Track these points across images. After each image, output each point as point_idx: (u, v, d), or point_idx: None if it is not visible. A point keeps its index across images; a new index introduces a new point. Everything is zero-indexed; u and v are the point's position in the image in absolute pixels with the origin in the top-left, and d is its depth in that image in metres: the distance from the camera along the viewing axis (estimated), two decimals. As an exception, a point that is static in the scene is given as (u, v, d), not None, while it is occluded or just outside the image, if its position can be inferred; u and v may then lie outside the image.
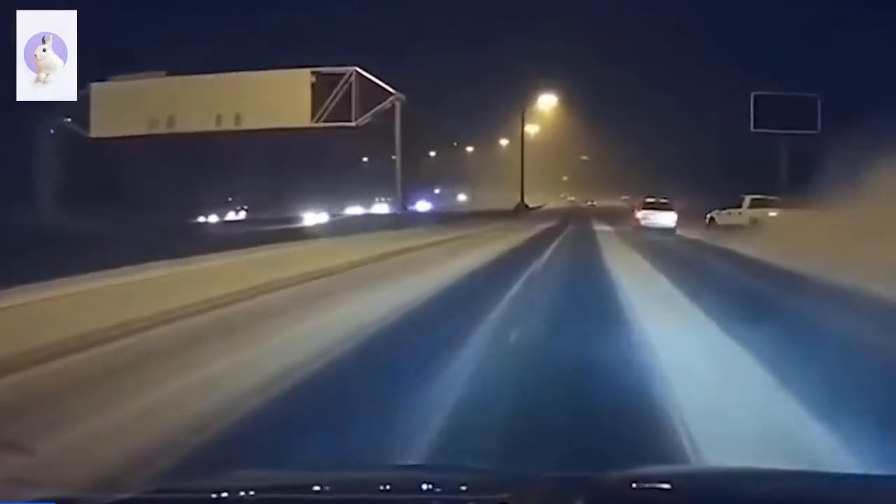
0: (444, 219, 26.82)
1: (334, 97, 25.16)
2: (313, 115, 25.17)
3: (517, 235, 17.48)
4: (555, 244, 15.10)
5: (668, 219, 18.73)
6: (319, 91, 25.07)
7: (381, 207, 40.74)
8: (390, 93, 25.48)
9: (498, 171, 42.49)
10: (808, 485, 1.34)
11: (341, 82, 25.18)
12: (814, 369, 3.75)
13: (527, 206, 41.19)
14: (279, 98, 23.89)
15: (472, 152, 47.82)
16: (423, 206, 39.70)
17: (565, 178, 54.80)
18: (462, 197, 47.46)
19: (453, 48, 39.33)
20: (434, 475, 1.65)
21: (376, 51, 31.64)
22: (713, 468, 2.12)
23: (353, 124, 25.36)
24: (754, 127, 30.37)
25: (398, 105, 25.56)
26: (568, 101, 46.53)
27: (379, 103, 25.75)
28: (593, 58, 43.31)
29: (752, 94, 30.52)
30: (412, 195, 39.33)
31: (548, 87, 45.80)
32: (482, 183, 45.26)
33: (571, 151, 49.43)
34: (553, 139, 46.39)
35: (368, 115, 25.42)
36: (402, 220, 22.24)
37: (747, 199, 17.74)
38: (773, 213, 15.90)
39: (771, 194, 17.48)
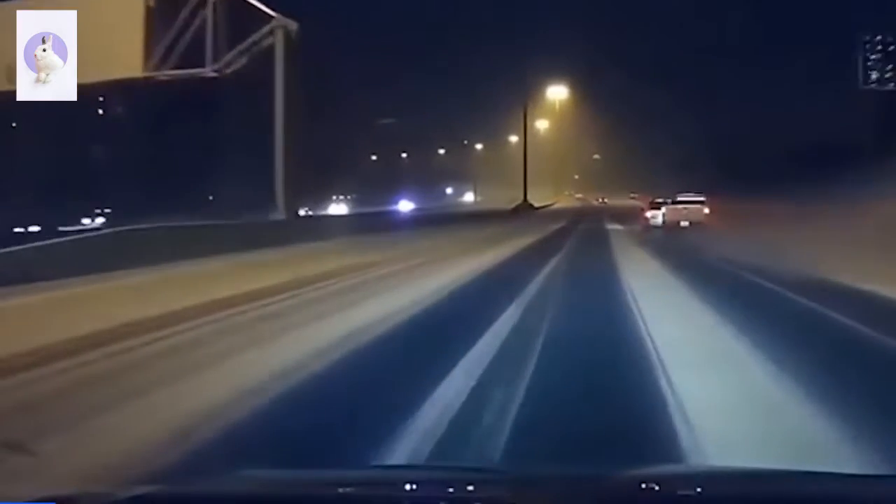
0: (411, 224, 28.30)
1: (182, 29, 22.85)
2: (148, 59, 23.05)
3: (506, 246, 17.85)
4: (546, 271, 13.63)
5: None
6: (158, 19, 22.95)
7: (339, 208, 47.01)
8: (269, 16, 23.03)
9: (507, 168, 54.07)
10: (812, 485, 2.06)
11: (191, 3, 22.56)
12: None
13: (531, 205, 48.85)
14: (94, 33, 18.72)
15: (482, 150, 62.31)
16: (405, 205, 46.12)
17: (577, 177, 69.02)
18: (469, 196, 60.56)
19: (458, 37, 48.48)
20: (440, 474, 2.47)
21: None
22: (721, 468, 3.00)
23: (211, 72, 23.29)
24: (864, 83, 35.16)
25: (281, 36, 22.89)
26: (579, 91, 58.50)
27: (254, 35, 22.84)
28: (606, 45, 50.30)
29: (864, 38, 34.29)
30: (394, 194, 47.31)
31: (557, 77, 58.25)
32: (491, 181, 56.11)
33: (583, 149, 63.92)
34: (564, 135, 61.30)
35: (235, 54, 23.16)
36: (293, 233, 19.82)
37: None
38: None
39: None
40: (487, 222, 30.25)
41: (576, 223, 32.54)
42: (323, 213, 41.00)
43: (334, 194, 49.66)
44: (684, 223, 26.98)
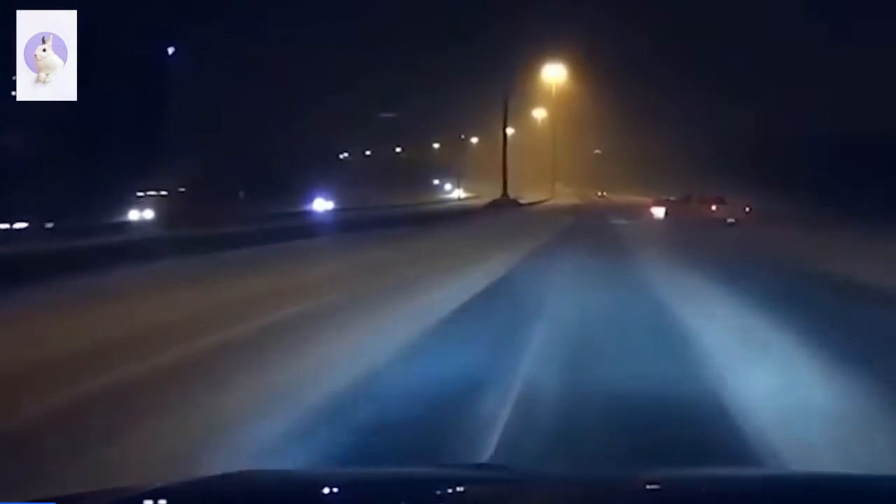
0: (281, 237, 19.16)
1: None
2: None
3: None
4: None
5: None
6: None
7: (144, 214, 31.79)
8: None
9: (498, 161, 52.97)
10: (813, 486, 2.12)
11: None
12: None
13: (515, 201, 45.55)
14: None
15: (478, 143, 61.58)
16: (320, 205, 39.99)
17: (578, 172, 68.03)
18: (456, 191, 59.74)
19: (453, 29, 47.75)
20: (443, 472, 2.53)
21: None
22: (723, 470, 3.01)
23: None
24: None
25: None
26: (580, 72, 57.99)
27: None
28: (607, 31, 49.96)
29: None
30: (309, 192, 39.65)
31: (555, 55, 57.52)
32: (488, 175, 55.16)
33: (584, 142, 63.61)
34: (563, 126, 61.04)
35: None
36: None
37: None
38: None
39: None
40: (434, 229, 24.35)
41: (573, 230, 25.80)
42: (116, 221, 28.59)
43: (148, 190, 35.00)
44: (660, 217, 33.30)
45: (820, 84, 36.85)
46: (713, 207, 30.71)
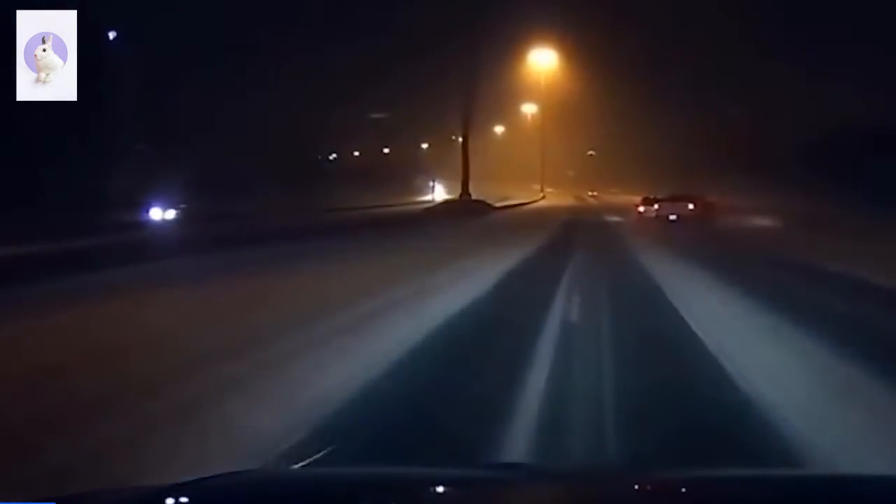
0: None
1: None
2: None
3: None
4: None
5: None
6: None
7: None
8: None
9: (491, 160, 53.73)
10: (812, 487, 2.14)
11: None
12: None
13: (483, 204, 42.61)
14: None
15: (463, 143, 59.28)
16: (157, 214, 32.22)
17: (571, 174, 68.78)
18: (432, 194, 58.66)
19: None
20: (443, 472, 2.52)
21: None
22: (722, 471, 2.90)
23: None
24: None
25: None
26: (576, 72, 57.51)
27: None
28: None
29: None
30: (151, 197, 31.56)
31: (548, 51, 57.07)
32: (473, 174, 54.55)
33: (577, 139, 63.51)
34: (553, 124, 60.81)
35: None
36: None
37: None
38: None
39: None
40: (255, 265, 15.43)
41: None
42: None
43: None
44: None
45: (816, 82, 36.82)
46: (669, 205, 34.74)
